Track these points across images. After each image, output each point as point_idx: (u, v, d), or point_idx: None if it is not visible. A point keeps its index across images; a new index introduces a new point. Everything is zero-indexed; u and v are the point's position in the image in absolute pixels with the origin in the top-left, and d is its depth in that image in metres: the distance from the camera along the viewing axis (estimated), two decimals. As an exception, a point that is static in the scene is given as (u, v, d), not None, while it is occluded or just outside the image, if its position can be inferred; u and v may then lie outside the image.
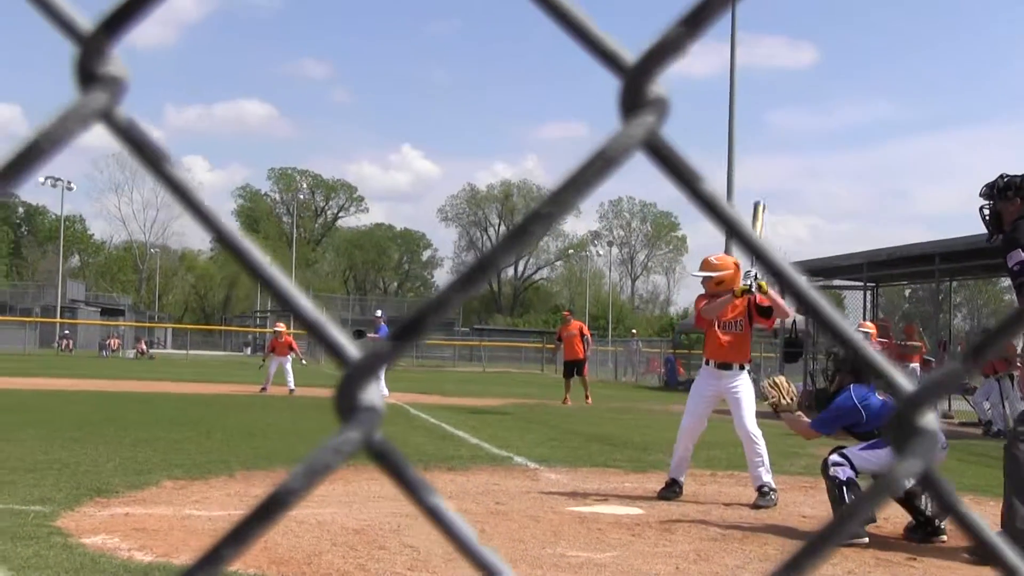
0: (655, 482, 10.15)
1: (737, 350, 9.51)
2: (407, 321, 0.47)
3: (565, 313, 29.17)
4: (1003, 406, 19.59)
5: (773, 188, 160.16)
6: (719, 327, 9.49)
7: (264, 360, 28.59)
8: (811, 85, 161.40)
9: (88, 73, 0.43)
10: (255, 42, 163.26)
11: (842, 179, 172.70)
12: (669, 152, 0.48)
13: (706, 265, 9.73)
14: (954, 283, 29.73)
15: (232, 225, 0.46)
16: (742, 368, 9.50)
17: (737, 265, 9.53)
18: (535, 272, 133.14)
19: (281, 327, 28.29)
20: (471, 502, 8.58)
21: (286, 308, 0.47)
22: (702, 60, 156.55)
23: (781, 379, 8.58)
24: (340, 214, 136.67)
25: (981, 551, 0.52)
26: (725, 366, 9.48)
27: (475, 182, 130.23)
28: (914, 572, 6.37)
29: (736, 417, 9.34)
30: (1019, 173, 7.51)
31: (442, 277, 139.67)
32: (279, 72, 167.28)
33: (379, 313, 27.49)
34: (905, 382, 0.48)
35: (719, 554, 6.65)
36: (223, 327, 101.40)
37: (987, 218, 7.67)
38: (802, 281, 0.48)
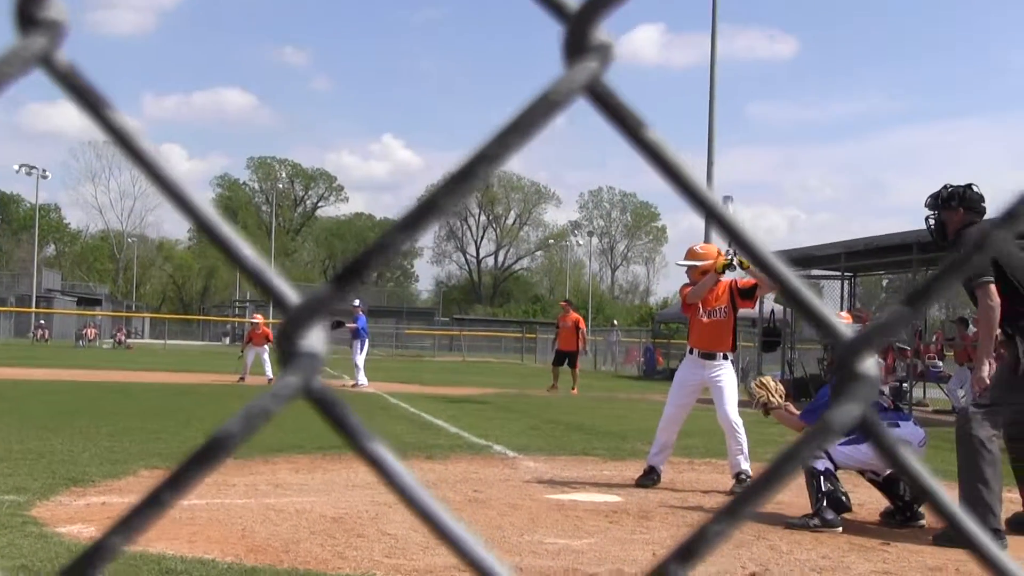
0: (633, 470, 10.17)
1: (721, 338, 9.54)
2: (349, 263, 0.47)
3: (563, 303, 29.31)
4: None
5: (753, 180, 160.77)
6: (703, 314, 9.53)
7: (243, 351, 28.64)
8: (791, 77, 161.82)
9: (27, 17, 0.43)
10: (234, 29, 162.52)
11: (821, 171, 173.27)
12: (611, 98, 0.48)
13: (691, 254, 9.77)
14: (930, 273, 29.80)
15: (175, 171, 0.45)
16: (725, 357, 9.54)
17: (720, 253, 9.56)
18: (515, 262, 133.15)
19: (259, 318, 28.33)
20: (450, 490, 8.59)
21: (225, 254, 0.47)
22: (682, 52, 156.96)
23: (767, 379, 8.62)
24: (320, 204, 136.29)
25: (951, 531, 0.52)
26: (709, 355, 9.52)
27: (481, 185, 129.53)
28: (888, 556, 6.41)
29: (719, 406, 9.39)
30: (962, 184, 7.73)
31: (422, 267, 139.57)
32: (259, 60, 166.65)
33: (357, 303, 27.43)
34: (845, 329, 0.48)
35: (696, 541, 6.67)
36: (201, 317, 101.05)
37: (932, 227, 7.90)
38: (760, 242, 0.48)
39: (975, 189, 7.66)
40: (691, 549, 0.47)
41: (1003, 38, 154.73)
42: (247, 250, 0.47)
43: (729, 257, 9.28)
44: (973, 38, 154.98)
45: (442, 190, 0.48)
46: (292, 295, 0.48)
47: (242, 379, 25.82)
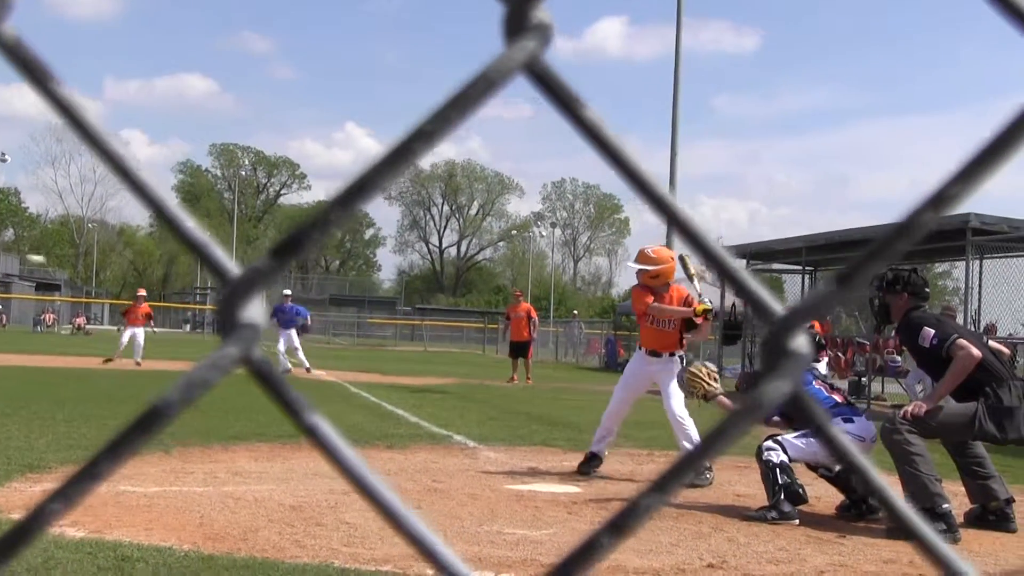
0: (593, 461, 10.22)
1: (667, 343, 9.63)
2: (288, 238, 0.48)
3: (516, 293, 29.31)
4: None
5: (715, 172, 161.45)
6: (651, 322, 9.58)
7: (119, 329, 28.53)
8: (755, 71, 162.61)
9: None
10: (196, 14, 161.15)
11: (783, 165, 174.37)
12: (550, 76, 0.49)
13: (643, 257, 9.72)
14: (857, 255, 30.02)
15: (123, 149, 0.45)
16: (672, 355, 9.60)
17: (674, 258, 9.61)
18: (478, 252, 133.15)
19: (143, 292, 28.15)
20: (409, 480, 8.59)
21: (168, 226, 0.47)
22: (645, 44, 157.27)
23: (697, 367, 8.64)
24: (282, 191, 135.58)
25: (894, 522, 0.53)
26: (655, 354, 9.60)
27: (419, 161, 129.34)
28: (843, 549, 6.47)
29: (665, 400, 9.47)
30: (907, 268, 8.03)
31: (385, 256, 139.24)
32: (220, 46, 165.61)
33: (287, 292, 27.42)
34: (776, 305, 0.49)
35: (654, 532, 6.70)
36: (162, 303, 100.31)
37: (876, 310, 8.13)
38: (692, 219, 0.49)
39: (919, 274, 7.94)
40: (622, 522, 0.48)
41: (956, 34, 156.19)
42: (189, 222, 0.48)
43: (709, 303, 9.38)
44: (936, 36, 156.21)
45: (378, 166, 0.48)
46: (232, 267, 0.48)
47: (110, 360, 25.84)
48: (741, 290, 0.50)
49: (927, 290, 7.91)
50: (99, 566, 5.17)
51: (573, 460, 10.37)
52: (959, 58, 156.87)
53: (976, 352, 7.26)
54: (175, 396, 0.46)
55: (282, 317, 25.90)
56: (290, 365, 25.26)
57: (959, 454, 7.56)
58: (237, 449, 10.02)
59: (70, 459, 8.65)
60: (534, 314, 27.51)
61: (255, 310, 0.47)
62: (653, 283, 9.51)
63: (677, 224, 0.50)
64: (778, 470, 7.46)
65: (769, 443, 7.60)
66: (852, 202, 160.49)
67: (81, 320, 69.70)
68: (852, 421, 7.82)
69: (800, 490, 7.42)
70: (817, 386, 7.97)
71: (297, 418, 0.49)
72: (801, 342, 0.48)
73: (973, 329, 18.45)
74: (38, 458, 8.63)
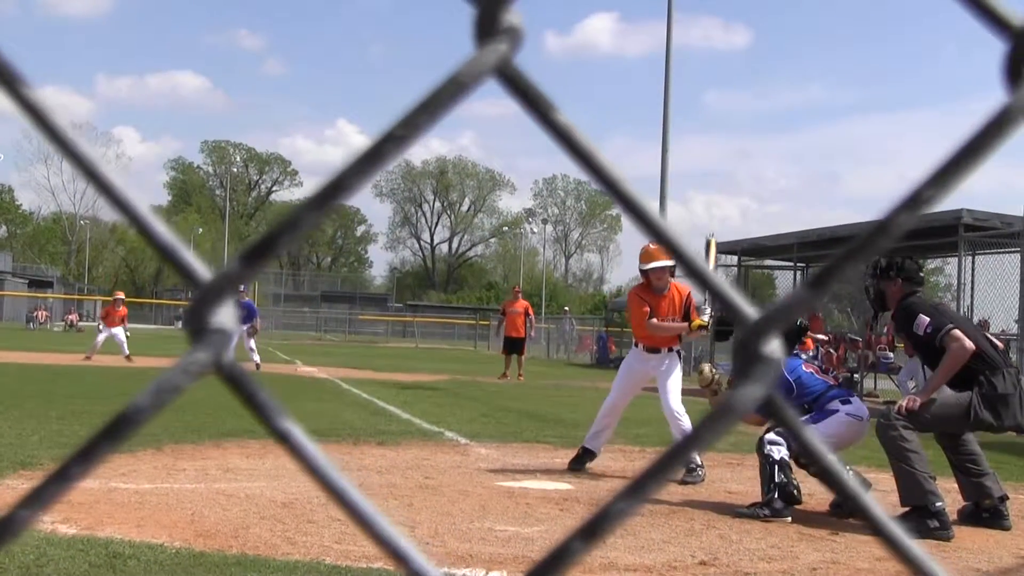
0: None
1: (666, 339, 9.61)
2: (259, 241, 0.47)
3: (515, 289, 29.18)
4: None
5: (707, 168, 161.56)
6: (649, 317, 9.53)
7: (99, 328, 28.67)
8: (745, 67, 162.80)
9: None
10: (188, 11, 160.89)
11: (774, 161, 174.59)
12: (521, 80, 0.49)
13: (656, 255, 9.45)
14: (832, 257, 30.07)
15: (93, 152, 0.45)
16: (671, 350, 9.60)
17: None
18: (469, 249, 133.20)
19: (120, 295, 28.21)
20: (400, 476, 8.58)
21: (139, 230, 0.47)
22: (636, 40, 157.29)
23: (706, 373, 8.62)
24: (274, 188, 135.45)
25: (845, 503, 0.53)
26: (653, 350, 9.59)
27: (410, 158, 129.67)
28: (836, 546, 6.48)
29: (662, 396, 9.46)
30: (901, 255, 8.00)
31: (376, 253, 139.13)
32: (213, 43, 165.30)
33: (242, 288, 27.43)
34: (750, 309, 0.49)
35: (646, 529, 6.71)
36: (154, 300, 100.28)
37: (871, 297, 8.13)
38: (663, 223, 0.49)
39: (913, 260, 7.90)
40: (595, 527, 0.48)
41: (943, 30, 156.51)
42: (159, 226, 0.47)
43: (706, 320, 9.38)
44: (926, 32, 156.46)
45: (350, 170, 0.48)
46: (203, 271, 0.48)
47: (88, 358, 25.86)
48: (714, 293, 0.50)
49: (921, 275, 7.89)
50: (91, 563, 5.16)
51: (565, 457, 10.37)
52: (947, 55, 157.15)
53: (969, 344, 7.25)
54: (145, 402, 0.46)
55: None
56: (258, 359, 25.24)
57: (953, 451, 7.54)
58: (228, 446, 10.01)
59: (62, 456, 8.60)
60: (531, 312, 27.46)
61: (226, 315, 0.47)
62: (659, 282, 9.47)
63: (650, 228, 0.49)
64: (776, 467, 7.46)
65: (772, 436, 7.59)
66: (842, 198, 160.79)
67: (73, 317, 69.55)
68: (849, 402, 7.81)
69: (795, 491, 7.41)
70: (807, 370, 7.96)
71: (269, 423, 0.49)
72: (775, 346, 0.48)
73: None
74: (30, 455, 8.61)
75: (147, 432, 10.26)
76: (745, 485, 8.82)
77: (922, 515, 6.89)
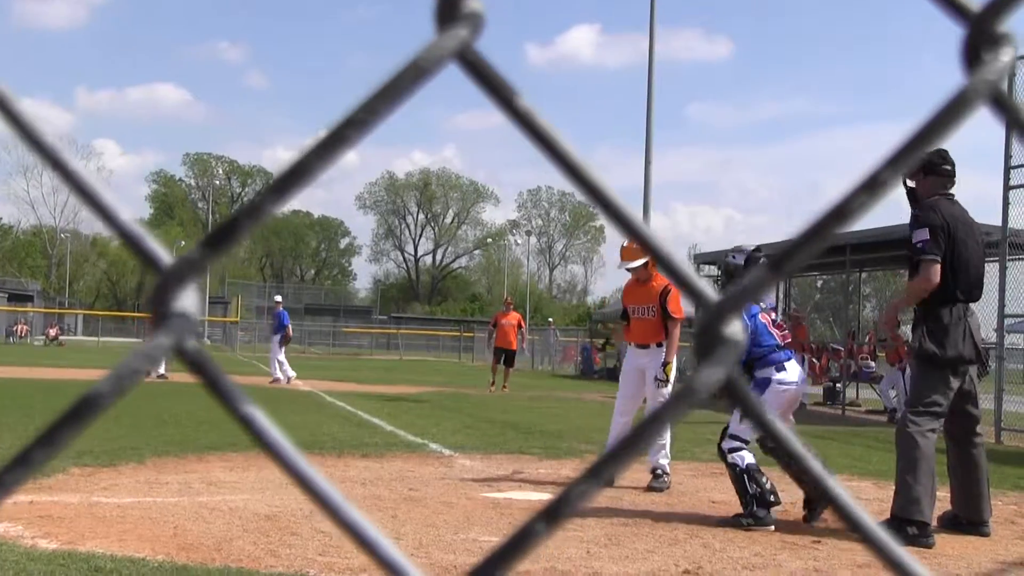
0: (568, 469, 10.22)
1: (649, 334, 9.64)
2: (220, 227, 0.47)
3: (507, 300, 29.03)
4: (906, 394, 20.00)
5: (690, 180, 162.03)
6: (633, 312, 9.71)
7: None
8: (726, 79, 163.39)
9: None
10: (168, 23, 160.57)
11: (757, 172, 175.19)
12: (482, 65, 0.49)
13: (632, 252, 9.62)
14: (863, 274, 30.29)
15: (54, 139, 0.45)
16: (660, 346, 9.60)
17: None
18: (453, 261, 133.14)
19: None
20: (384, 488, 8.57)
21: (103, 217, 0.47)
22: (617, 52, 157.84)
23: None
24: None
25: (815, 498, 0.53)
26: (642, 346, 9.65)
27: (394, 170, 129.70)
28: (818, 554, 6.49)
29: (648, 398, 9.50)
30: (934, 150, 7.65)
31: (360, 265, 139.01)
32: (193, 55, 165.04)
33: (278, 298, 27.26)
34: (711, 292, 0.49)
35: (630, 538, 6.71)
36: (136, 314, 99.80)
37: (908, 194, 7.81)
38: (625, 207, 0.49)
39: (939, 151, 7.59)
40: (556, 509, 0.48)
41: (923, 43, 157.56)
42: (124, 214, 0.47)
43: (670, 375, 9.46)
44: (909, 43, 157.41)
45: (311, 154, 0.48)
46: (164, 257, 0.48)
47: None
48: (675, 277, 0.50)
49: (947, 168, 7.59)
50: (71, 577, 5.13)
51: (548, 467, 10.38)
52: (927, 66, 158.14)
53: (932, 281, 7.21)
54: (106, 387, 0.46)
55: (273, 323, 25.99)
56: (280, 375, 25.21)
57: (959, 458, 7.48)
58: (211, 459, 9.97)
59: (42, 471, 8.57)
60: (523, 324, 27.32)
61: (188, 300, 0.47)
62: (644, 273, 9.60)
63: (611, 211, 0.50)
64: (746, 477, 7.48)
65: (729, 443, 7.65)
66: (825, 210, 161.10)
67: (54, 331, 69.23)
68: (784, 368, 7.84)
69: (771, 496, 7.43)
70: (763, 320, 8.00)
71: (232, 408, 0.49)
72: (736, 329, 0.48)
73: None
74: (10, 470, 8.57)
75: (128, 446, 10.24)
76: (728, 495, 8.82)
77: (903, 523, 6.90)
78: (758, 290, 0.49)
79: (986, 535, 7.26)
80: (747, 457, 7.57)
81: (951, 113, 0.47)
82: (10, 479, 0.48)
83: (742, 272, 8.14)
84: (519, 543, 0.48)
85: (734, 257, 8.37)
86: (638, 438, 0.48)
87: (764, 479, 7.50)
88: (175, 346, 0.46)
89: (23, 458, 0.48)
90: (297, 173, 0.47)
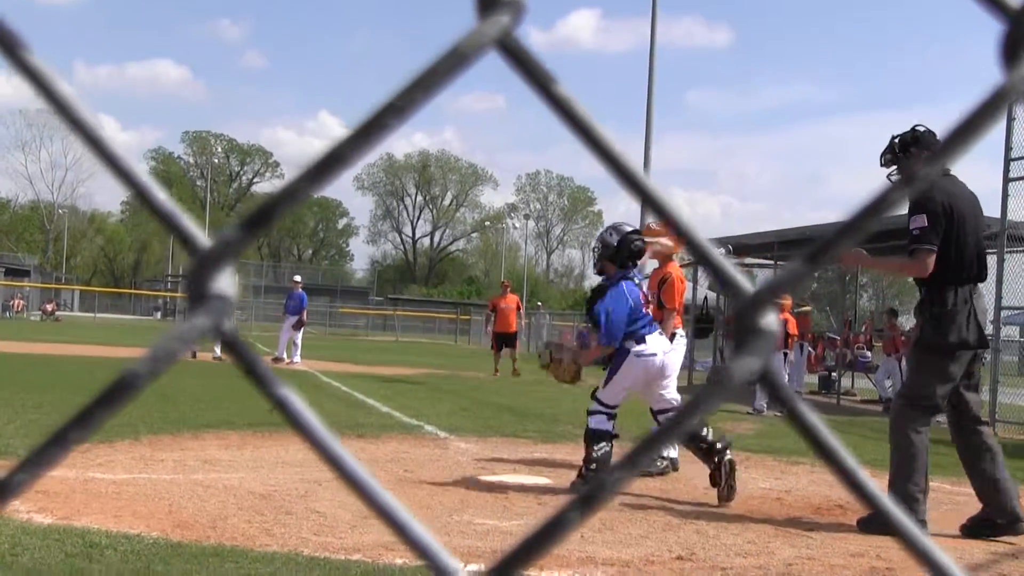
0: (563, 452, 10.24)
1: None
2: (258, 209, 0.47)
3: (504, 283, 28.81)
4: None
5: (689, 167, 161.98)
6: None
7: None
8: (726, 66, 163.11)
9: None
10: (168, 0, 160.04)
11: (756, 159, 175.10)
12: (522, 52, 0.49)
13: (646, 231, 9.67)
14: (830, 230, 30.17)
15: (94, 119, 0.45)
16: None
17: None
18: (451, 243, 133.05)
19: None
20: (380, 469, 8.58)
21: (139, 197, 0.47)
22: (618, 37, 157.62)
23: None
24: (255, 180, 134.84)
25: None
26: None
27: (393, 151, 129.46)
28: (811, 542, 6.50)
29: None
30: (919, 128, 7.43)
31: (358, 246, 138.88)
32: (193, 33, 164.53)
33: (297, 278, 27.06)
34: (746, 283, 0.49)
35: (624, 524, 6.73)
36: (133, 291, 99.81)
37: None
38: (665, 199, 0.49)
39: (929, 129, 7.40)
40: (591, 497, 0.48)
41: (929, 33, 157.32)
42: (160, 193, 0.47)
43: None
44: (908, 33, 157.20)
45: (349, 141, 0.48)
46: (202, 239, 0.48)
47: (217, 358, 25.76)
48: (712, 269, 0.50)
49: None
50: (67, 552, 5.14)
51: (544, 451, 10.39)
52: (931, 55, 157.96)
53: (925, 272, 7.02)
54: (142, 368, 0.46)
55: (288, 304, 25.84)
56: (285, 356, 25.11)
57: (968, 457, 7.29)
58: (207, 437, 9.99)
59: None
60: (520, 306, 27.18)
61: (225, 281, 0.47)
62: (656, 256, 9.64)
63: (650, 202, 0.50)
64: (590, 440, 8.11)
65: (593, 404, 8.18)
66: (823, 198, 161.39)
67: (51, 306, 69.18)
68: (644, 341, 8.17)
69: (592, 465, 8.04)
70: (636, 283, 8.26)
71: (267, 391, 0.49)
72: (771, 320, 0.48)
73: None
74: (5, 444, 8.57)
75: (124, 423, 10.23)
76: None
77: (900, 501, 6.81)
78: (793, 282, 0.49)
79: (1022, 532, 6.91)
80: (597, 422, 8.04)
81: (990, 109, 0.47)
82: (45, 458, 0.48)
83: (613, 250, 8.25)
84: (553, 530, 0.48)
85: (610, 234, 8.52)
86: (674, 427, 0.48)
87: (600, 447, 8.02)
88: (213, 328, 0.46)
89: (58, 437, 0.48)
90: (334, 158, 0.47)
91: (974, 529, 7.01)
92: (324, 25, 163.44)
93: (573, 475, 8.78)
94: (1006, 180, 15.02)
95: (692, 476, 9.04)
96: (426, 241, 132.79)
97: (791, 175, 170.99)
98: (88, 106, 0.46)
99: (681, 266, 10.09)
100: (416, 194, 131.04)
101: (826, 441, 0.49)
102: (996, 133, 16.27)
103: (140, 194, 0.47)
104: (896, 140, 7.44)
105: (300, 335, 25.44)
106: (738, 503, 7.78)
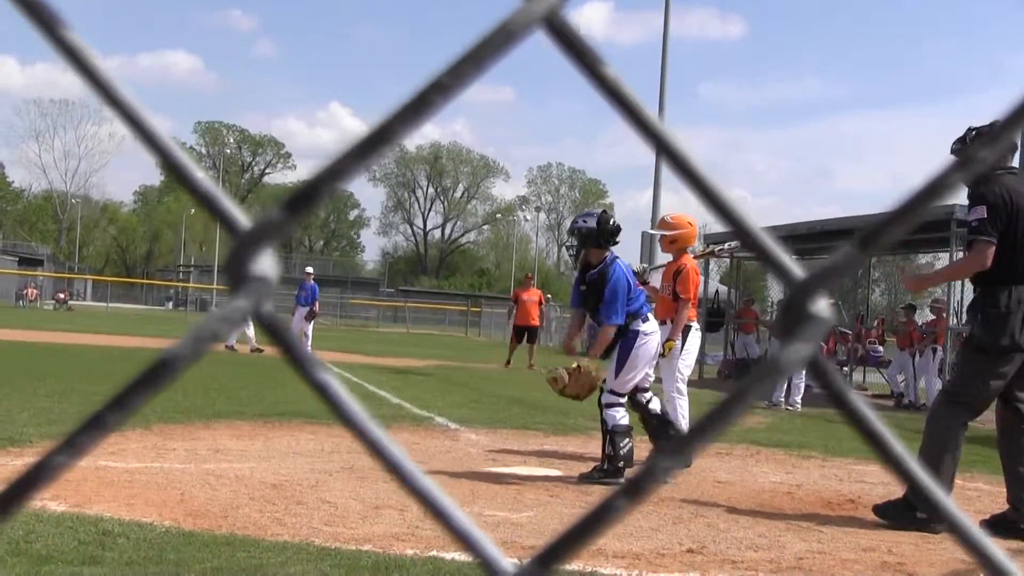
0: (575, 445, 10.24)
1: (663, 311, 9.60)
2: (302, 189, 0.47)
3: (527, 276, 28.67)
4: (915, 379, 20.04)
5: (700, 159, 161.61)
6: (657, 291, 9.74)
7: None
8: (740, 59, 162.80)
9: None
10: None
11: (766, 154, 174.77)
12: (570, 31, 0.48)
13: (661, 224, 9.97)
14: (873, 259, 30.24)
15: (134, 98, 0.45)
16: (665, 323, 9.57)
17: (692, 224, 9.71)
18: (462, 235, 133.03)
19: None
20: (390, 460, 8.57)
21: (177, 176, 0.46)
22: (630, 29, 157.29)
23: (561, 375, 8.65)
24: (267, 170, 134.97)
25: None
26: (661, 322, 9.59)
27: (404, 143, 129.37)
28: (823, 536, 6.49)
29: (663, 371, 9.46)
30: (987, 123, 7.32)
31: (369, 237, 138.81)
32: (205, 23, 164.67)
33: (309, 269, 26.97)
34: (797, 269, 0.48)
35: (635, 517, 6.72)
36: (145, 280, 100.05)
37: None
38: (714, 182, 0.48)
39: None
40: (639, 485, 0.47)
41: (939, 29, 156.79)
42: (199, 172, 0.47)
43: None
44: (920, 30, 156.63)
45: (395, 118, 0.47)
46: (242, 219, 0.47)
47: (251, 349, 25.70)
48: (761, 253, 0.50)
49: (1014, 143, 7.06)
50: (80, 540, 5.16)
51: (554, 443, 10.40)
52: (942, 51, 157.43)
53: (984, 265, 6.84)
54: (184, 349, 0.46)
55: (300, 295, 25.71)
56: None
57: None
58: (218, 427, 10.01)
59: (51, 433, 8.61)
60: (544, 300, 26.97)
61: (266, 263, 0.47)
62: (671, 248, 9.65)
63: (696, 182, 0.49)
64: (609, 437, 8.14)
65: (607, 397, 8.24)
66: (834, 193, 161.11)
67: (64, 295, 69.39)
68: (647, 319, 8.39)
69: (621, 463, 8.07)
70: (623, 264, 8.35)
71: (307, 375, 0.49)
72: (822, 306, 0.47)
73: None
74: (19, 432, 8.60)
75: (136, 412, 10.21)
76: (733, 475, 8.85)
77: (913, 506, 6.76)
78: (846, 268, 0.48)
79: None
80: (619, 417, 8.07)
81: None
82: (84, 440, 0.48)
83: (595, 234, 8.27)
84: (600, 518, 0.47)
85: (584, 221, 8.57)
86: (723, 415, 0.47)
87: (625, 443, 8.02)
88: (253, 310, 0.46)
89: (96, 420, 0.47)
90: (380, 136, 0.47)
91: (995, 526, 6.90)
92: (335, 15, 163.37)
93: (583, 467, 8.77)
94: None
95: (702, 470, 9.03)
96: (437, 233, 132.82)
97: (802, 170, 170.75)
98: (128, 87, 0.45)
99: (695, 258, 10.12)
100: (427, 186, 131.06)
101: (875, 429, 0.48)
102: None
103: (179, 173, 0.46)
104: (972, 132, 7.19)
105: (311, 326, 25.34)
106: (749, 497, 7.77)
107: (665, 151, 0.49)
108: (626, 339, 8.17)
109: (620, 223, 8.59)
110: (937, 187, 0.46)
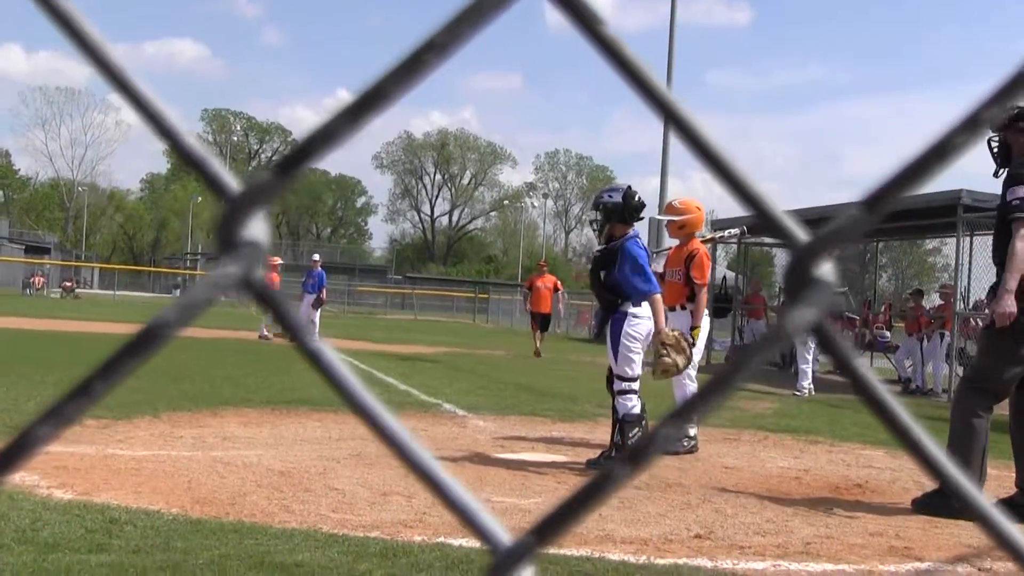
0: (582, 431, 10.24)
1: (675, 295, 9.58)
2: (294, 151, 0.46)
3: (541, 263, 28.57)
4: (923, 364, 20.03)
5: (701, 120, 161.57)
6: (666, 275, 9.74)
7: None
8: (746, 45, 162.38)
9: None
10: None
11: (773, 140, 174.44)
12: (568, -11, 0.47)
13: (668, 209, 10.00)
14: (880, 244, 30.18)
15: (123, 61, 0.44)
16: (684, 308, 9.55)
17: (700, 208, 9.72)
18: (469, 222, 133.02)
19: (278, 260, 27.75)
20: (397, 447, 8.58)
21: (167, 140, 0.45)
22: (636, 15, 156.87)
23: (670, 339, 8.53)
24: (274, 158, 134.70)
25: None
26: (669, 307, 9.56)
27: (411, 130, 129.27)
28: (830, 521, 6.48)
29: None
30: None
31: (376, 225, 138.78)
32: (211, 11, 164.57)
33: (316, 257, 26.90)
34: (800, 231, 0.47)
35: (642, 502, 6.72)
36: (152, 268, 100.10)
37: (994, 151, 7.33)
38: (719, 147, 0.47)
39: None
40: (640, 453, 0.47)
41: (945, 13, 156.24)
42: (189, 138, 0.46)
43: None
44: (925, 14, 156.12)
45: (389, 77, 0.46)
46: (233, 183, 0.46)
47: (267, 338, 25.71)
48: (762, 215, 0.49)
49: None
50: (87, 528, 5.16)
51: (562, 430, 10.39)
52: (947, 36, 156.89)
53: None
54: (172, 316, 0.45)
55: (307, 282, 25.67)
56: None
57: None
58: (226, 414, 10.02)
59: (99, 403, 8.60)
60: (560, 286, 26.82)
61: (258, 227, 0.46)
62: (679, 233, 9.67)
63: (697, 144, 0.48)
64: (619, 425, 8.15)
65: (619, 384, 8.18)
66: (841, 178, 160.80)
67: (70, 283, 69.46)
68: (640, 303, 8.27)
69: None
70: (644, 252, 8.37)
71: (300, 342, 0.48)
72: (827, 269, 0.46)
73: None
74: (25, 420, 8.57)
75: (143, 399, 10.26)
76: (741, 460, 8.84)
77: (947, 497, 6.58)
78: (853, 231, 0.47)
79: None
80: (631, 406, 8.05)
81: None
82: (67, 410, 0.47)
83: (620, 209, 8.26)
84: (600, 487, 0.46)
85: (610, 196, 8.53)
86: (723, 384, 0.46)
87: (635, 433, 7.99)
88: (243, 276, 0.45)
89: (82, 388, 0.47)
90: (373, 96, 0.46)
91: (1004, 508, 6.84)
92: (341, 2, 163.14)
93: (591, 453, 8.77)
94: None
95: (710, 455, 9.02)
96: (444, 220, 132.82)
97: (809, 155, 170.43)
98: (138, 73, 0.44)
99: (703, 242, 10.10)
100: (435, 173, 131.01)
101: (881, 397, 0.47)
102: None
103: (169, 138, 0.46)
104: (1013, 109, 6.91)
105: (318, 313, 25.33)
106: (756, 482, 7.77)
107: (666, 112, 0.48)
108: (615, 320, 8.18)
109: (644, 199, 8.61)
110: (944, 148, 0.45)
